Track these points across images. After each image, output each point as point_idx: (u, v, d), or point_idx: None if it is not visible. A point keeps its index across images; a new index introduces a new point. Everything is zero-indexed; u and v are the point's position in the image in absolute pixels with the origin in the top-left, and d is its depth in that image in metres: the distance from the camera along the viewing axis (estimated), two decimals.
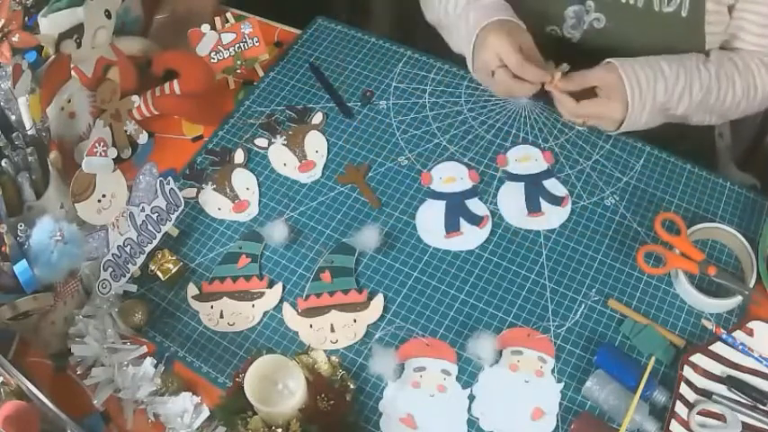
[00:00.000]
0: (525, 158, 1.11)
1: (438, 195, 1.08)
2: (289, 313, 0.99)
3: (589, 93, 1.04)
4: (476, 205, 1.06)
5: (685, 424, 0.85)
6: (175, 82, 1.17)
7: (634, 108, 1.02)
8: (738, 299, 0.94)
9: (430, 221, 1.06)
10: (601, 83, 1.03)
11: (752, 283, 0.94)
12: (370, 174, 1.12)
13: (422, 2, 1.26)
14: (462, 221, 1.05)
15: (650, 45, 1.05)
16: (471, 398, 0.91)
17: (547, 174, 1.09)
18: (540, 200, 1.06)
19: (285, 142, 1.16)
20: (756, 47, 1.06)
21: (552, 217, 1.04)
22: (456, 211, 1.06)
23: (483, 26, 1.06)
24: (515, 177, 1.09)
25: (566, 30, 1.10)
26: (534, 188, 1.07)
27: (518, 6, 1.09)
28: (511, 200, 1.06)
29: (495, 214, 1.05)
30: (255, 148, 1.17)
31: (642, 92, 1.01)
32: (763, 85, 1.06)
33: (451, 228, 1.05)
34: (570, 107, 1.04)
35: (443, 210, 1.06)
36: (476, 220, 1.05)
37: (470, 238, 1.04)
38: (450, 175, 1.10)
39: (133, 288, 1.01)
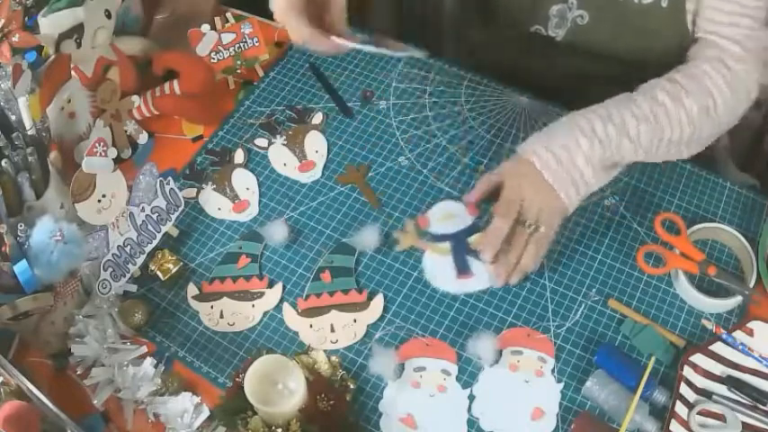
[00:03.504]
0: None
1: (440, 238, 1.03)
2: (289, 313, 0.99)
3: None
4: None
5: (685, 424, 0.85)
6: (175, 82, 1.17)
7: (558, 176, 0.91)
8: (738, 299, 0.94)
9: (438, 267, 1.00)
10: (506, 175, 0.95)
11: (752, 283, 0.94)
12: (370, 174, 1.12)
13: None
14: (471, 260, 1.00)
15: (633, 39, 1.04)
16: (471, 398, 0.91)
17: None
18: None
19: (285, 142, 1.16)
20: (722, 37, 0.98)
21: None
22: (462, 251, 1.01)
23: None
24: None
25: (550, 29, 1.10)
26: None
27: (502, 6, 1.09)
28: None
29: None
30: (255, 148, 1.17)
31: (556, 156, 0.92)
32: (722, 96, 0.95)
33: (462, 270, 1.00)
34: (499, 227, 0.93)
35: (449, 251, 1.01)
36: None
37: (483, 279, 0.99)
38: (448, 212, 1.05)
39: (133, 288, 1.01)
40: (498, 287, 0.98)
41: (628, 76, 0.98)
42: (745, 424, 0.86)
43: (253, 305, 1.00)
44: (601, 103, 0.95)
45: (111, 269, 1.00)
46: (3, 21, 1.05)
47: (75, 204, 1.01)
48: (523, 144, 0.96)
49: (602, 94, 0.97)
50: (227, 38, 1.20)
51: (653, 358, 0.90)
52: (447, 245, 1.02)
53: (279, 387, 0.85)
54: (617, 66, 1.06)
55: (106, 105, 1.15)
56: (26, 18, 1.07)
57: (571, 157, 0.92)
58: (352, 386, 0.91)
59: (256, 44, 1.21)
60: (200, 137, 1.20)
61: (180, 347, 0.97)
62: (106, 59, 1.15)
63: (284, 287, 1.01)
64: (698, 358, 0.90)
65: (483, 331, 0.94)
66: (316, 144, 1.16)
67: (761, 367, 0.89)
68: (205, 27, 1.19)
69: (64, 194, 1.02)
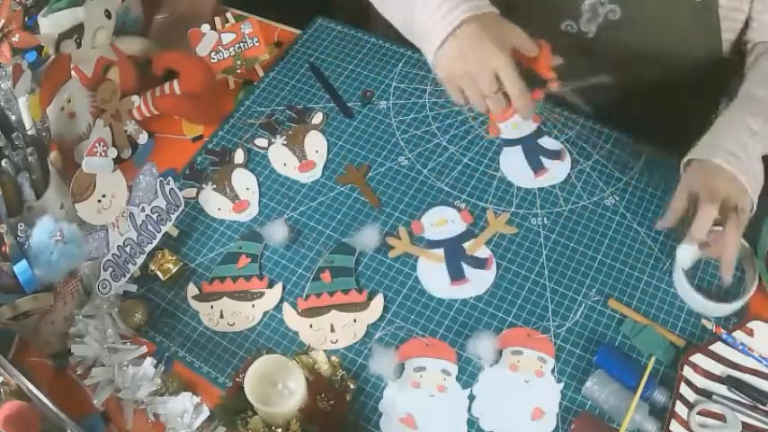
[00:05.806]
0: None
1: (434, 244, 1.03)
2: (289, 313, 0.99)
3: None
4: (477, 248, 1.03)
5: (685, 424, 0.85)
6: (175, 82, 1.17)
7: (741, 163, 0.90)
8: (740, 304, 0.93)
9: (432, 273, 1.01)
10: (691, 185, 0.92)
11: (753, 288, 0.93)
12: (370, 174, 1.12)
13: None
14: (465, 267, 1.01)
15: (665, 35, 1.04)
16: (471, 398, 0.91)
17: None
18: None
19: (285, 142, 1.16)
20: None
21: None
22: (456, 257, 1.02)
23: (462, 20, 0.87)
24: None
25: (582, 24, 1.08)
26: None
27: (534, 2, 1.08)
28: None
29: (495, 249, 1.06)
30: (255, 148, 1.17)
31: (737, 154, 0.91)
32: None
33: (456, 276, 1.00)
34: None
35: (443, 258, 1.02)
36: (480, 264, 1.01)
37: (477, 284, 0.99)
38: (441, 218, 1.06)
39: (133, 288, 1.01)
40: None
41: (657, 81, 0.97)
42: (745, 424, 0.86)
43: (253, 305, 1.00)
44: (735, 102, 0.96)
45: (111, 269, 1.00)
46: (3, 21, 1.05)
47: (75, 204, 1.01)
48: (700, 151, 0.93)
49: (628, 103, 0.97)
50: (227, 38, 1.20)
51: (653, 358, 0.90)
52: (441, 251, 1.02)
53: (279, 387, 0.85)
54: (645, 68, 1.05)
55: (106, 105, 1.15)
56: (26, 18, 1.08)
57: (749, 157, 0.91)
58: (352, 386, 0.91)
59: (256, 44, 1.21)
60: (200, 137, 1.20)
61: (180, 347, 0.97)
62: (106, 59, 1.15)
63: (284, 287, 1.01)
64: (698, 358, 0.89)
65: (483, 331, 0.94)
66: (316, 144, 1.16)
67: (761, 367, 0.89)
68: (205, 27, 1.19)
69: (64, 194, 1.02)
